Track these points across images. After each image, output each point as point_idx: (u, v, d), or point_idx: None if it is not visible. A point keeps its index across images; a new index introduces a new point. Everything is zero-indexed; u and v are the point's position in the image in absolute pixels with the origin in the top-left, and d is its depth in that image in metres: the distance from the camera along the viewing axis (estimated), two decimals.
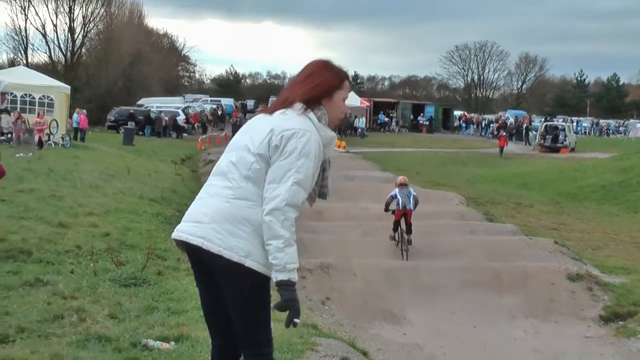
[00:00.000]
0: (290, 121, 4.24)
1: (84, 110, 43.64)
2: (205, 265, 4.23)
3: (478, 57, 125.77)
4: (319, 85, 4.38)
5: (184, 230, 4.24)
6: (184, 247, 4.31)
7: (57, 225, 13.43)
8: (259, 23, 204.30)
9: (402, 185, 17.47)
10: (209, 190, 4.31)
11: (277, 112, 4.32)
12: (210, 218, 4.16)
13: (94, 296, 8.94)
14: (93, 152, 32.41)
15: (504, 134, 57.72)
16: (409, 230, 17.19)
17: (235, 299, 4.21)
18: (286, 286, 4.10)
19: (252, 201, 4.16)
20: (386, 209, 17.49)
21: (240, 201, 4.16)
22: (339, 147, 50.39)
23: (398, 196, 17.16)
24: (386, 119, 79.88)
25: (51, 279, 9.40)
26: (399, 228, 17.29)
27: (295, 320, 4.13)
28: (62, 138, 34.20)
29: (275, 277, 4.10)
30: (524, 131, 68.75)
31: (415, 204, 17.26)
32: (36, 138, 31.36)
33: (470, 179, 37.51)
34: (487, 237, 19.23)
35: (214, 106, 73.22)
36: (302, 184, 4.16)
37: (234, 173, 4.21)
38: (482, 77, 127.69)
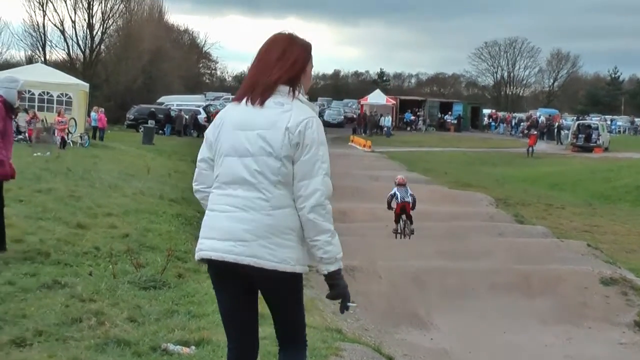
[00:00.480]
0: (295, 112, 4.27)
1: (102, 109, 43.90)
2: (239, 276, 4.30)
3: (508, 54, 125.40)
4: (296, 62, 4.41)
5: (227, 251, 4.22)
6: (213, 264, 4.33)
7: (76, 226, 13.48)
8: (281, 19, 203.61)
9: (400, 185, 19.36)
10: (235, 203, 4.26)
11: (270, 101, 4.31)
12: (255, 235, 4.19)
13: (112, 299, 8.97)
14: (112, 152, 32.56)
15: (535, 132, 57.38)
16: (410, 222, 19.01)
17: (286, 304, 4.41)
18: (338, 275, 4.37)
19: (289, 206, 4.24)
20: (389, 207, 19.12)
21: (279, 211, 4.21)
22: (364, 146, 50.39)
23: (397, 193, 19.03)
24: (413, 118, 79.81)
25: (69, 281, 9.43)
26: (401, 220, 19.06)
27: (349, 304, 4.41)
28: (81, 137, 34.39)
29: (327, 269, 4.33)
30: (556, 130, 68.39)
31: (414, 201, 19.03)
32: (58, 138, 31.42)
33: (499, 180, 37.35)
34: (516, 240, 19.16)
35: None
36: (329, 172, 4.27)
37: (263, 182, 4.22)
38: (512, 74, 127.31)
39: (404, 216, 19.05)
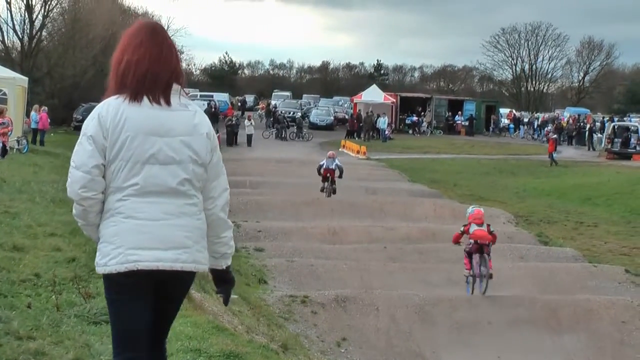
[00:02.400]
0: (200, 114, 5.01)
1: (45, 107, 43.74)
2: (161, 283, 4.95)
3: (530, 43, 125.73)
4: (178, 55, 5.09)
5: (174, 259, 4.84)
6: (142, 273, 4.83)
7: (11, 249, 13.40)
8: (259, 0, 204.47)
9: (330, 157, 29.44)
10: (168, 210, 4.86)
11: (176, 103, 4.91)
12: (194, 240, 4.90)
13: (56, 336, 8.93)
14: (56, 159, 32.46)
15: (554, 136, 57.19)
16: (333, 183, 28.99)
17: (180, 303, 5.24)
18: (230, 267, 5.21)
19: (203, 209, 5.03)
20: (318, 173, 29.44)
21: (202, 214, 4.99)
22: (358, 152, 50.45)
23: (325, 163, 29.15)
24: (416, 119, 79.80)
25: (3, 315, 9.38)
26: (327, 182, 29.02)
27: (233, 296, 5.14)
28: (18, 142, 34.11)
29: (227, 263, 5.17)
30: (587, 133, 68.58)
31: (340, 170, 28.96)
32: None
33: (520, 193, 37.45)
34: (540, 264, 19.20)
35: (205, 102, 73.37)
36: None
37: (191, 190, 4.91)
38: (534, 67, 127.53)
39: (329, 180, 28.98)
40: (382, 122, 69.10)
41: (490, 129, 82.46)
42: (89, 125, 4.82)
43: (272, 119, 69.05)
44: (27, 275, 11.80)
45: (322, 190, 29.27)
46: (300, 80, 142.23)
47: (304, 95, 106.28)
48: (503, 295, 16.12)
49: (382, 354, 13.56)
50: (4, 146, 30.56)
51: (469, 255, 17.05)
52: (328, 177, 29.25)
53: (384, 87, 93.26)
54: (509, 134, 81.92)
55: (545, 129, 76.29)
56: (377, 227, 23.06)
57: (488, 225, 17.49)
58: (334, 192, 28.89)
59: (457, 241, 17.73)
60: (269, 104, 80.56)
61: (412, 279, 17.56)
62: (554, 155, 51.03)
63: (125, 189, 4.80)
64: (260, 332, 11.75)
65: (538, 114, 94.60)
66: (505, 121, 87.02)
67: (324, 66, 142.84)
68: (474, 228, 17.20)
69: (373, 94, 77.45)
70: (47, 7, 70.91)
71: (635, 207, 32.71)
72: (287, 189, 31.62)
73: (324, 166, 29.15)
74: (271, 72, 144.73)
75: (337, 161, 29.31)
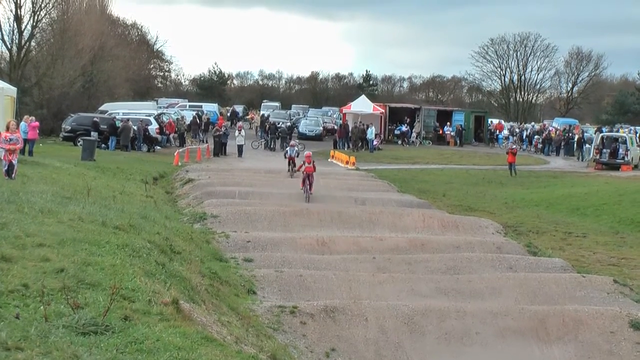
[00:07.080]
0: None
1: (32, 117, 43.65)
2: None
3: (518, 53, 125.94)
4: None
5: None
6: None
7: None
8: (247, 9, 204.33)
9: (292, 146, 42.41)
10: None
11: None
12: None
13: (44, 347, 8.90)
14: (44, 169, 32.37)
15: (514, 146, 56.98)
16: (294, 165, 39.14)
17: None
18: None
19: None
20: (285, 157, 42.01)
21: None
22: (347, 163, 50.43)
23: (288, 150, 41.63)
24: (405, 129, 79.76)
25: None
26: (290, 165, 40.46)
27: None
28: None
29: None
30: (575, 144, 68.65)
31: (297, 154, 41.19)
32: (4, 163, 27.44)
33: (508, 203, 37.47)
34: (529, 275, 19.20)
35: (195, 112, 73.30)
36: None
37: None
38: (523, 77, 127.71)
39: (292, 164, 40.07)
40: (370, 132, 68.93)
41: (511, 140, 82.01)
42: None
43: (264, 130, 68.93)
44: (15, 285, 11.75)
45: (288, 172, 40.88)
46: (289, 91, 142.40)
47: (293, 106, 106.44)
48: (492, 305, 16.12)
49: None
50: (11, 164, 27.45)
51: (303, 180, 32.59)
52: (291, 161, 40.89)
53: (372, 98, 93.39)
54: (498, 144, 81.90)
55: (534, 140, 76.32)
56: (366, 237, 23.04)
57: (313, 162, 32.99)
58: (295, 172, 38.61)
59: (299, 169, 34.11)
60: (262, 115, 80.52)
61: (401, 289, 17.55)
62: (514, 166, 50.87)
63: None
64: (249, 343, 11.73)
65: (527, 124, 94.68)
66: (495, 131, 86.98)
67: (313, 76, 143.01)
68: (305, 165, 32.65)
69: (362, 105, 77.43)
70: (36, 17, 70.72)
71: (624, 217, 32.74)
72: (276, 200, 31.57)
73: (288, 153, 41.68)
74: (260, 82, 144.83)
75: (295, 148, 42.37)
